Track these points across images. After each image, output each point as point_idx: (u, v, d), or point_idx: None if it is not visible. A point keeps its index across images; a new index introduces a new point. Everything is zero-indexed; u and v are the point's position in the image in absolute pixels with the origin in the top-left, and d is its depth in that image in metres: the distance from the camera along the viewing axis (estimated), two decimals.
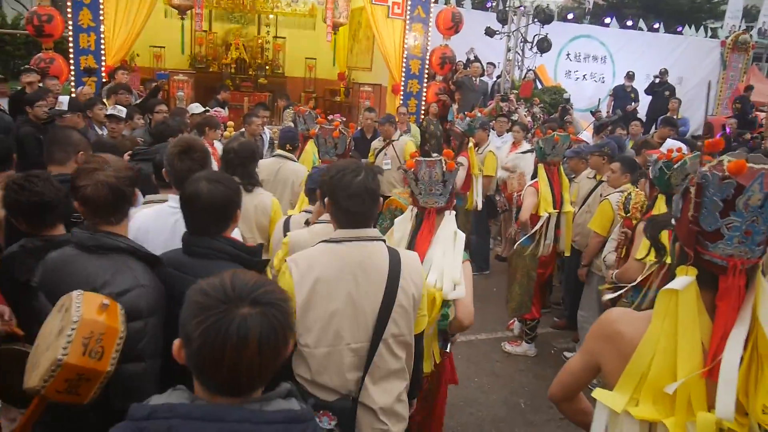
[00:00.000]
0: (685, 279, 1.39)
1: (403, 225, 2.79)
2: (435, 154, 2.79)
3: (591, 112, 11.55)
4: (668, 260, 2.14)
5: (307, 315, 2.01)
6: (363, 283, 2.06)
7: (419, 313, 2.22)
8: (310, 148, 5.45)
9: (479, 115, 6.25)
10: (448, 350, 2.91)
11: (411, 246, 2.70)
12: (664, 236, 3.06)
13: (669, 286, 1.40)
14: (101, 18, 8.58)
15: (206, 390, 1.19)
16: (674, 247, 1.52)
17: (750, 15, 22.23)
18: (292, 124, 6.03)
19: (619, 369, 1.47)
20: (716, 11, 27.59)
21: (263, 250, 3.22)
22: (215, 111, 7.87)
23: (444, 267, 2.60)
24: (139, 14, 8.80)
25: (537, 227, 4.83)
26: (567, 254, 5.12)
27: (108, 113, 5.88)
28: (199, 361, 1.14)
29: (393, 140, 6.77)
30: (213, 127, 5.84)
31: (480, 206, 6.30)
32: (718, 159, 1.37)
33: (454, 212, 2.79)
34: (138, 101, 7.49)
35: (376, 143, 7.05)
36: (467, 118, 6.28)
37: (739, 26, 16.40)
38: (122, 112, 5.76)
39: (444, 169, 2.69)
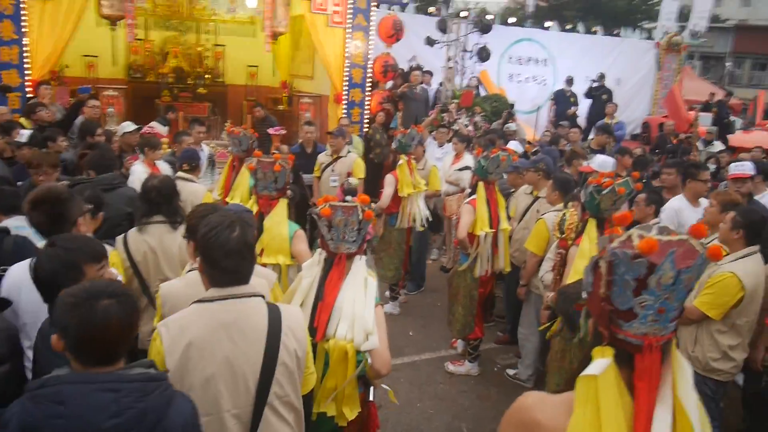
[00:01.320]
0: (602, 362, 1.33)
1: (311, 270, 2.68)
2: (348, 198, 2.67)
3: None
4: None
5: (182, 382, 1.90)
6: (240, 343, 1.96)
7: (307, 371, 2.15)
8: (246, 172, 5.30)
9: (412, 131, 6.16)
10: (371, 398, 2.80)
11: (320, 293, 2.61)
12: None
13: (587, 371, 1.34)
14: (24, 30, 8.16)
15: (83, 364, 1.61)
16: (586, 323, 1.48)
17: (683, 16, 23.07)
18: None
19: None
20: (651, 12, 28.54)
21: None
22: (148, 128, 7.60)
23: (355, 316, 2.51)
24: (66, 24, 8.39)
25: (473, 249, 4.83)
26: (507, 269, 5.13)
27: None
28: (77, 343, 1.60)
29: (341, 156, 6.66)
30: (153, 147, 5.64)
31: (424, 224, 6.22)
32: (628, 234, 1.33)
33: (364, 257, 2.70)
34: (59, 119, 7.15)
35: (323, 157, 6.92)
36: (398, 135, 6.18)
37: (674, 27, 16.95)
38: (23, 136, 5.44)
39: (360, 217, 2.61)
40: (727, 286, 3.44)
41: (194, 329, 1.93)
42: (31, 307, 2.41)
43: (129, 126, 6.71)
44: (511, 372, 5.12)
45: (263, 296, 2.08)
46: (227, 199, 5.08)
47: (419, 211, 6.11)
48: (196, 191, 4.51)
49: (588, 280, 1.43)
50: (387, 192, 5.96)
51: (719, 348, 3.52)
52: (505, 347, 5.65)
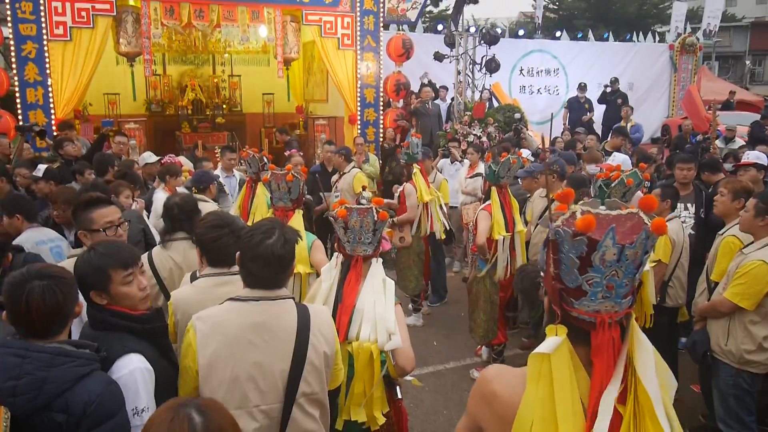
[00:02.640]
0: (554, 340, 1.33)
1: (329, 273, 2.72)
2: (364, 200, 2.72)
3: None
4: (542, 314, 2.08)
5: (211, 377, 1.97)
6: (270, 343, 2.02)
7: (336, 367, 2.21)
8: (262, 192, 5.40)
9: (413, 139, 6.22)
10: (399, 395, 2.82)
11: (339, 295, 2.64)
12: None
13: (539, 349, 1.34)
14: (48, 71, 8.48)
15: (21, 335, 1.85)
16: (544, 302, 1.47)
17: (696, 17, 22.93)
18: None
19: (498, 431, 1.42)
20: (663, 15, 28.48)
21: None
22: (169, 157, 7.79)
23: (376, 317, 2.54)
24: (87, 65, 8.70)
25: (492, 254, 4.82)
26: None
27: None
28: (11, 318, 1.85)
29: (344, 173, 6.76)
30: (174, 174, 5.84)
31: (441, 235, 6.24)
32: (572, 211, 1.32)
33: (381, 259, 2.73)
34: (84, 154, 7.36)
35: (336, 177, 7.07)
36: (404, 149, 6.24)
37: (685, 29, 16.87)
38: (39, 171, 5.61)
39: (376, 218, 2.65)
40: (758, 275, 3.36)
41: (226, 327, 2.02)
42: None
43: (150, 157, 6.92)
44: None
45: (294, 298, 2.16)
46: (248, 223, 5.17)
47: (439, 218, 6.13)
48: (206, 210, 4.59)
49: (542, 258, 1.42)
50: (411, 202, 5.98)
51: (754, 339, 3.43)
52: (531, 352, 5.58)
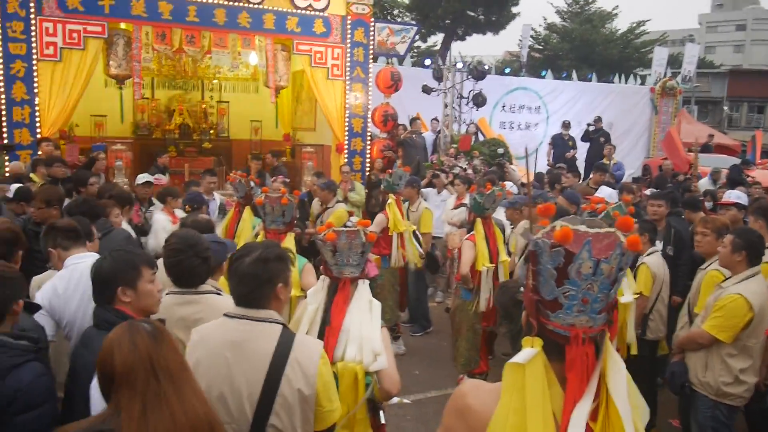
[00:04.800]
0: (529, 351, 1.35)
1: (315, 296, 2.72)
2: (350, 224, 2.74)
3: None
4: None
5: None
6: (242, 364, 2.01)
7: (323, 409, 2.08)
8: (248, 216, 5.41)
9: (398, 170, 6.32)
10: (382, 421, 2.80)
11: (326, 318, 2.63)
12: None
13: (514, 359, 1.35)
14: (35, 91, 8.47)
15: None
16: (522, 315, 1.49)
17: (677, 62, 23.65)
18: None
19: None
20: (644, 59, 29.33)
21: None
22: (156, 179, 7.78)
23: (362, 338, 2.53)
24: (75, 86, 8.70)
25: (475, 285, 4.85)
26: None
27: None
28: None
29: (328, 207, 6.80)
30: (174, 196, 5.94)
31: (418, 263, 6.29)
32: (552, 225, 1.35)
33: (367, 281, 2.75)
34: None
35: (315, 206, 7.13)
36: (386, 176, 6.34)
37: (665, 73, 17.39)
38: (10, 191, 5.55)
39: (364, 240, 2.67)
40: (735, 308, 3.43)
41: (210, 340, 2.06)
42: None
43: (141, 179, 6.88)
44: None
45: (284, 324, 2.13)
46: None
47: (413, 249, 6.16)
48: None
49: (523, 272, 1.47)
50: (372, 229, 6.05)
51: (731, 372, 3.48)
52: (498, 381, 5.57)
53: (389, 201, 6.19)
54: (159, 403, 1.58)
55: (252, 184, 5.79)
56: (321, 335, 2.60)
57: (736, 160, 15.55)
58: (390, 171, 6.51)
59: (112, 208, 4.70)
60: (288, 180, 8.57)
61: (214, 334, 2.07)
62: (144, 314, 2.27)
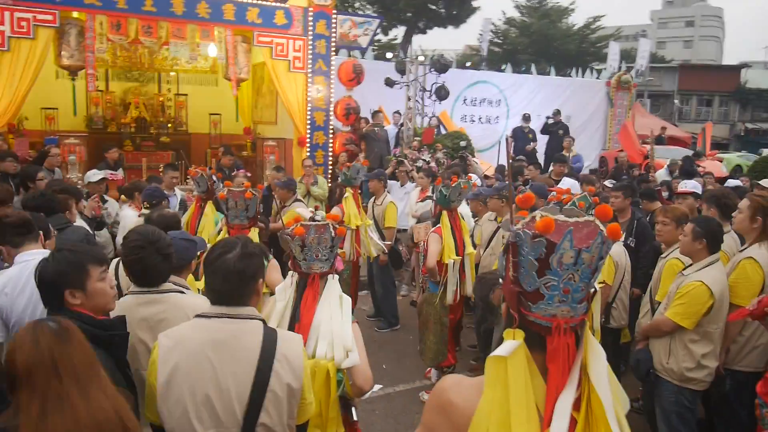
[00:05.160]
0: (511, 344, 1.33)
1: (284, 293, 2.65)
2: (318, 216, 2.68)
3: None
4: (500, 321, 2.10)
5: (169, 394, 1.89)
6: (229, 363, 1.94)
7: (305, 401, 2.09)
8: (210, 210, 5.30)
9: (356, 164, 6.30)
10: (355, 418, 2.76)
11: (296, 315, 2.57)
12: None
13: (496, 352, 1.34)
14: None
15: None
16: (502, 307, 1.48)
17: (630, 57, 24.20)
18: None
19: None
20: (600, 54, 29.97)
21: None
22: (112, 175, 7.53)
23: (333, 334, 2.48)
24: (25, 77, 8.32)
25: (442, 277, 4.86)
26: (474, 296, 5.16)
27: None
28: None
29: (285, 205, 6.70)
30: (141, 191, 5.66)
31: (371, 255, 6.32)
32: (532, 215, 1.35)
33: (337, 276, 2.70)
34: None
35: (276, 204, 7.03)
36: (344, 169, 6.33)
37: (619, 68, 17.80)
38: None
39: (333, 234, 2.61)
40: (697, 295, 3.51)
41: (188, 343, 1.94)
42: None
43: (94, 176, 6.64)
44: None
45: (263, 320, 2.08)
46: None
47: (369, 244, 6.15)
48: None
49: (501, 263, 1.45)
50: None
51: (693, 357, 3.57)
52: (479, 375, 5.61)
53: (346, 195, 6.17)
54: (60, 404, 1.56)
55: (214, 178, 5.65)
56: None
57: (689, 152, 16.09)
58: (349, 164, 6.48)
59: (70, 202, 4.52)
60: (249, 174, 8.43)
61: (192, 336, 1.97)
62: (99, 313, 2.17)
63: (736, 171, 17.90)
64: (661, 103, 36.10)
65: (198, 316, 2.02)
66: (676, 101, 35.41)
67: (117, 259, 3.34)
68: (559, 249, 1.28)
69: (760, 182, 9.01)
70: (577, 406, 1.32)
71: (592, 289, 1.36)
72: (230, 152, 9.51)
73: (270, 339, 2.01)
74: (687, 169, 12.32)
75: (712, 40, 56.05)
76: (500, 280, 1.48)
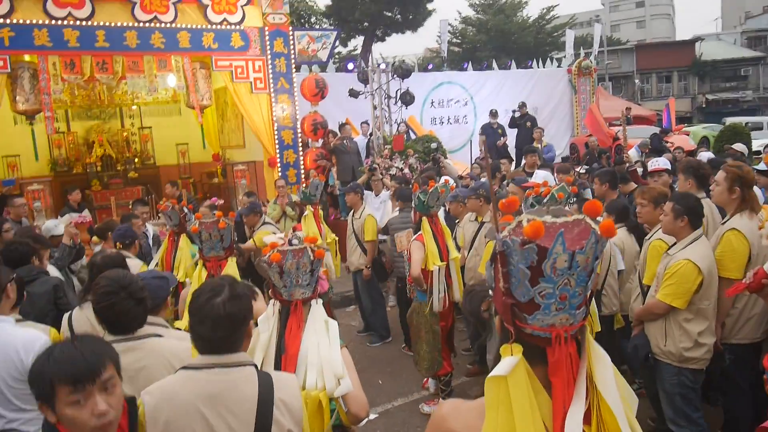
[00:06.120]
0: (509, 360, 1.24)
1: (267, 323, 2.52)
2: (296, 240, 2.57)
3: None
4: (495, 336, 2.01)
5: None
6: (227, 417, 1.83)
7: None
8: (185, 244, 5.16)
9: (314, 180, 6.25)
10: None
11: (281, 345, 2.46)
12: None
13: (494, 372, 1.25)
14: None
15: None
16: (494, 321, 1.39)
17: (587, 43, 24.58)
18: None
19: None
20: (558, 43, 30.40)
21: None
22: (80, 217, 7.32)
23: (322, 362, 2.37)
24: None
25: (428, 285, 4.78)
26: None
27: None
28: None
29: (254, 230, 6.56)
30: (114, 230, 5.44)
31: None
32: (518, 220, 1.26)
33: (321, 300, 2.60)
34: None
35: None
36: (302, 187, 6.26)
37: (577, 54, 18.02)
38: None
39: (312, 257, 2.52)
40: (686, 273, 3.47)
41: (177, 399, 1.81)
42: None
43: (56, 228, 6.19)
44: None
45: (255, 365, 1.98)
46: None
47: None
48: (134, 267, 4.35)
49: (490, 274, 1.34)
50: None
51: (690, 336, 3.53)
52: (477, 378, 5.54)
53: (306, 213, 6.09)
54: None
55: (185, 210, 5.51)
56: (277, 365, 2.43)
57: (656, 129, 16.31)
58: (306, 183, 6.44)
59: (42, 251, 4.35)
60: (221, 202, 8.26)
61: (181, 392, 1.84)
62: None
63: (703, 143, 18.25)
64: (623, 84, 36.69)
65: (185, 368, 1.89)
66: (636, 81, 36.01)
67: (69, 312, 3.22)
68: (552, 254, 1.19)
69: (732, 146, 9.17)
70: (587, 419, 1.24)
71: (590, 292, 1.28)
72: (175, 184, 9.24)
73: (266, 386, 1.90)
74: (656, 146, 12.50)
75: (664, 17, 57.14)
76: (490, 292, 1.39)
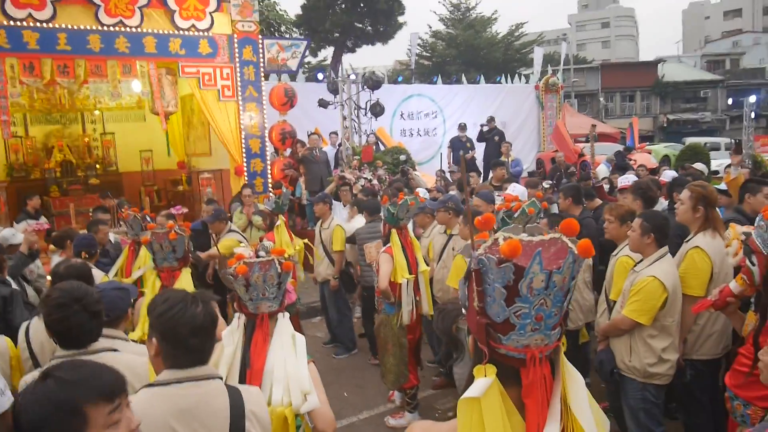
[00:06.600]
0: (483, 382, 1.21)
1: (231, 337, 2.44)
2: (263, 251, 2.50)
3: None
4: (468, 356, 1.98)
5: None
6: (200, 430, 1.78)
7: None
8: (146, 254, 5.01)
9: (286, 191, 6.20)
10: None
11: (245, 359, 2.38)
12: None
13: (467, 394, 1.22)
14: None
15: None
16: (468, 340, 1.35)
17: (554, 60, 25.05)
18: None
19: None
20: (525, 60, 30.93)
21: None
22: (37, 224, 7.07)
23: (289, 377, 2.31)
24: None
25: (396, 298, 4.73)
26: (431, 314, 5.05)
27: None
28: None
29: (220, 238, 6.43)
30: (73, 239, 5.21)
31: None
32: (494, 238, 1.23)
33: (287, 314, 2.52)
34: None
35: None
36: (273, 197, 6.21)
37: (545, 72, 18.35)
38: None
39: (279, 270, 2.44)
40: (651, 290, 3.50)
41: (147, 420, 1.69)
42: None
43: (14, 237, 5.96)
44: (452, 416, 4.96)
45: (221, 378, 1.94)
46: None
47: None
48: (97, 277, 4.19)
49: (463, 293, 1.31)
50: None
51: (654, 352, 3.55)
52: (444, 391, 5.49)
53: (278, 223, 6.03)
54: None
55: (148, 218, 5.36)
56: (242, 379, 2.35)
57: (620, 147, 16.68)
58: (277, 192, 6.38)
59: (5, 265, 4.17)
60: (185, 210, 8.10)
61: (150, 411, 1.74)
62: None
63: (665, 161, 18.74)
64: (588, 102, 37.51)
65: (150, 385, 1.81)
66: (601, 99, 36.86)
67: (26, 322, 3.07)
68: (529, 273, 1.16)
69: (693, 165, 9.41)
70: None
71: (565, 312, 1.25)
72: (105, 195, 9.03)
73: (236, 398, 1.87)
74: (620, 163, 12.78)
75: (628, 38, 58.93)
76: (463, 311, 1.34)
